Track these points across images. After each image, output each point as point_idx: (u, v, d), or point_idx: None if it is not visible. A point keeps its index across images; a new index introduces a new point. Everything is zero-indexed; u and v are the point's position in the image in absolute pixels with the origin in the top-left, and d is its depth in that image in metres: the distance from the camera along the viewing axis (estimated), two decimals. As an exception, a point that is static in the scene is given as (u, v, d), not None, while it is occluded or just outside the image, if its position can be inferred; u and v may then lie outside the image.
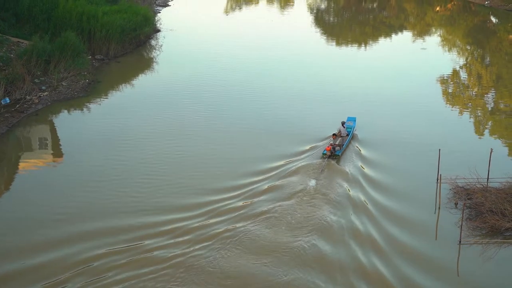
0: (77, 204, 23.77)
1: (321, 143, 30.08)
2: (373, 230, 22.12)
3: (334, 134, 29.81)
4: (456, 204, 24.07)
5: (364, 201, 24.26)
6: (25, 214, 22.87)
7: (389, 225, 22.56)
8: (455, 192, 24.79)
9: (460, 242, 21.24)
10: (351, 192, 24.96)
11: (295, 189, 25.02)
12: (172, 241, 20.79)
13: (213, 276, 18.80)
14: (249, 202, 23.89)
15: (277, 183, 25.71)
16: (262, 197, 24.36)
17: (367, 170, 27.29)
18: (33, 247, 20.50)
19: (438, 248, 21.17)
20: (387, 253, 20.57)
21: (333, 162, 27.86)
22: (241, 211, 23.10)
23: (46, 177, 26.64)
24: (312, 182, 25.71)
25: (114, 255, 19.90)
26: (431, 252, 20.82)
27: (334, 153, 28.38)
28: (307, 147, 29.58)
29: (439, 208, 23.94)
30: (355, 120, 32.53)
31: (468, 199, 24.08)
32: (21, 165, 28.26)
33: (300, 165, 27.50)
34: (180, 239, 20.94)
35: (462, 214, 21.99)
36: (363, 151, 29.49)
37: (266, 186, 25.36)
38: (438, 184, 24.56)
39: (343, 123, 30.91)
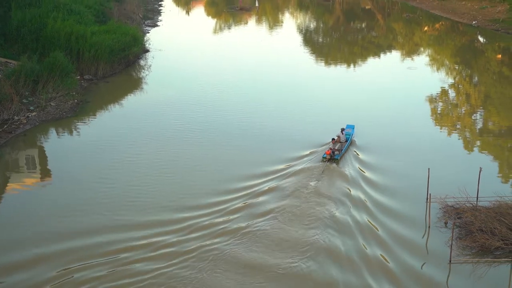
0: (64, 224, 23.63)
1: (320, 148, 31.70)
2: (364, 248, 22.05)
3: (333, 139, 31.49)
4: (445, 223, 24.02)
5: (356, 220, 24.25)
6: (9, 235, 22.76)
7: (379, 244, 22.49)
8: (444, 211, 24.75)
9: (450, 261, 21.17)
10: (345, 196, 25.51)
11: (297, 187, 27.03)
12: (165, 263, 20.74)
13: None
14: (252, 201, 25.74)
15: (280, 183, 27.65)
16: (266, 196, 26.29)
17: (362, 188, 27.37)
18: (17, 265, 20.47)
19: (428, 267, 21.09)
20: (377, 271, 20.48)
21: (332, 165, 29.73)
22: (245, 211, 24.92)
23: (34, 198, 26.50)
24: (313, 182, 27.67)
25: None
26: (422, 271, 20.74)
27: (333, 157, 30.06)
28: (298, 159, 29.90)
29: (429, 227, 23.89)
30: (353, 128, 34.25)
31: (457, 218, 24.03)
32: (9, 185, 28.09)
33: (302, 167, 29.48)
34: (176, 260, 21.00)
35: (452, 233, 21.96)
36: (358, 168, 29.50)
37: (267, 187, 27.24)
38: (428, 203, 24.50)
39: (342, 130, 32.52)
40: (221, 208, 25.11)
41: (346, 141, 32.30)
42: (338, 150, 30.86)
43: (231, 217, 24.28)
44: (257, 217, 24.38)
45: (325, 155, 30.10)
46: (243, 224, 23.70)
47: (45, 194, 27.11)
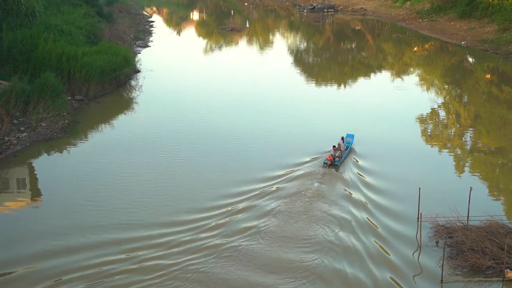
0: (53, 247, 23.55)
1: (321, 155, 33.78)
2: (355, 269, 22.05)
3: (334, 146, 33.71)
4: (437, 242, 24.08)
5: (350, 240, 24.30)
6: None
7: (371, 263, 22.51)
8: (436, 231, 24.82)
9: (442, 280, 21.22)
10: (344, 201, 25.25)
11: (300, 189, 29.09)
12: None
13: None
14: (256, 203, 27.68)
15: (285, 185, 29.71)
16: (271, 196, 28.37)
17: (356, 208, 27.40)
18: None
19: (420, 286, 21.13)
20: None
21: (332, 170, 31.85)
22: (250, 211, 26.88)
23: (24, 219, 26.34)
24: (315, 184, 29.69)
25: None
26: (413, 291, 20.77)
27: (333, 163, 32.19)
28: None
29: (420, 246, 23.92)
30: (353, 137, 36.10)
31: (449, 237, 24.10)
32: (-1, 206, 27.99)
33: (305, 171, 31.67)
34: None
35: (443, 253, 22.01)
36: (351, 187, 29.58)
37: (274, 188, 29.41)
38: (419, 222, 24.55)
39: (342, 138, 34.66)
40: (215, 226, 25.17)
41: (346, 149, 34.22)
42: (339, 157, 32.91)
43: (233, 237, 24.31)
44: (263, 216, 26.38)
45: (326, 161, 32.25)
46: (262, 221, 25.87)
47: (35, 215, 27.01)
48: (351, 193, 29.25)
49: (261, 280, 21.41)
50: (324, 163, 32.32)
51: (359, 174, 31.69)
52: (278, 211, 26.86)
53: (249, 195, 28.60)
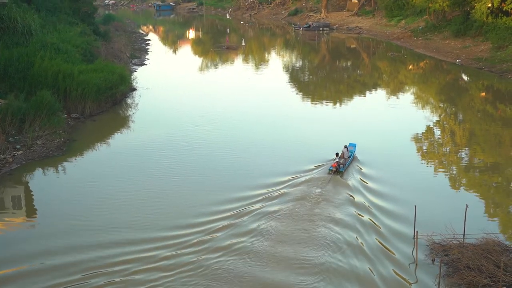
0: (48, 265, 23.55)
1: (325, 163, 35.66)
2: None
3: (337, 154, 35.28)
4: (433, 260, 24.06)
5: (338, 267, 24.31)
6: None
7: (366, 283, 22.48)
8: (432, 249, 24.82)
9: (438, 299, 21.17)
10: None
11: (306, 193, 30.96)
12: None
13: None
14: (263, 205, 29.46)
15: (291, 190, 31.46)
16: (277, 200, 30.20)
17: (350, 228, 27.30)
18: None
19: (416, 305, 21.09)
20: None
21: (337, 176, 33.65)
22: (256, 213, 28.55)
23: (19, 237, 26.29)
24: (319, 189, 31.60)
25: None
26: (410, 309, 20.73)
27: (338, 169, 33.97)
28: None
29: (416, 264, 23.90)
30: (355, 146, 37.78)
31: (445, 255, 24.08)
32: (-6, 225, 27.90)
33: (311, 176, 33.63)
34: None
35: (440, 271, 21.99)
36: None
37: (280, 192, 31.20)
38: (415, 240, 24.54)
39: (345, 147, 36.22)
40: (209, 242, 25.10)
41: (349, 157, 35.91)
42: (343, 164, 34.65)
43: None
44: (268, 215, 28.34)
45: (331, 168, 34.01)
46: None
47: (31, 233, 26.96)
48: (353, 198, 29.74)
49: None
50: (329, 169, 34.02)
51: (350, 195, 31.44)
52: (284, 213, 28.65)
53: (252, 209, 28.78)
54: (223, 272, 23.06)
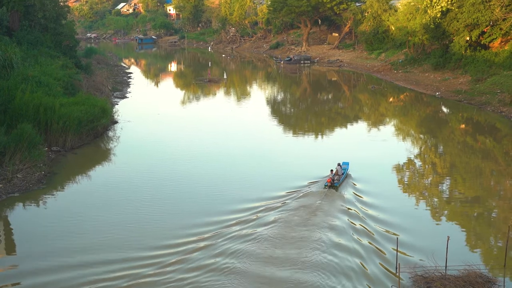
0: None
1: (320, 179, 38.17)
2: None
3: (331, 170, 37.96)
4: (415, 292, 24.05)
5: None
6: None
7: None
8: (414, 281, 24.82)
9: (421, 331, 21.12)
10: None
11: (305, 206, 33.60)
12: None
13: None
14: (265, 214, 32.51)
15: (293, 202, 34.30)
16: (278, 210, 32.97)
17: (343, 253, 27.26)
18: None
19: (399, 338, 21.01)
20: None
21: (332, 190, 36.19)
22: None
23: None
24: (318, 202, 34.21)
25: None
26: None
27: (333, 184, 36.47)
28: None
29: (399, 297, 23.88)
30: (348, 164, 40.50)
31: (427, 287, 24.08)
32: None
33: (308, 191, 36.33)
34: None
35: (422, 303, 21.94)
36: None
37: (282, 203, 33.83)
38: (397, 273, 24.53)
39: (339, 164, 39.06)
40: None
41: (343, 174, 38.49)
42: (337, 180, 37.28)
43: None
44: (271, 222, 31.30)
45: (326, 183, 36.42)
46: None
47: (10, 272, 26.63)
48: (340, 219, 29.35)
49: None
50: (325, 185, 36.48)
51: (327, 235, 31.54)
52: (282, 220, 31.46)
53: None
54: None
